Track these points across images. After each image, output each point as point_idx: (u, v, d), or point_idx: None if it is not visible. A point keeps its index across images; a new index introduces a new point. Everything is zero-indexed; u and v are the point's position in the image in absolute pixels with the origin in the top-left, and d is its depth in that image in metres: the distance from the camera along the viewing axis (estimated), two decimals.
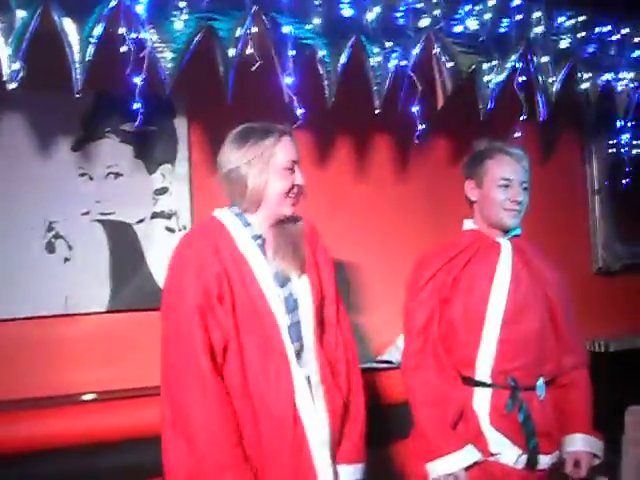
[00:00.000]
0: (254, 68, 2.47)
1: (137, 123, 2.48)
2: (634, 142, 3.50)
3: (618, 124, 3.29)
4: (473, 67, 2.92)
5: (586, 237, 3.68)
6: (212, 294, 1.92)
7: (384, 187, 3.46)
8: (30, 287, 2.85)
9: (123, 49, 2.38)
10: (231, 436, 1.87)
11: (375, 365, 3.12)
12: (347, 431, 2.07)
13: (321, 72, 2.68)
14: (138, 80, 2.41)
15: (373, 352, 3.31)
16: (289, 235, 2.07)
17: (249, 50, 2.50)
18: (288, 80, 2.58)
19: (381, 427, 2.76)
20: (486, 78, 2.92)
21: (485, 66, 2.92)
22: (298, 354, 2.00)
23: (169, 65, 2.47)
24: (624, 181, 3.63)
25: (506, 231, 2.34)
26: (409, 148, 3.16)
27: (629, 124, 3.30)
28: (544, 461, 2.24)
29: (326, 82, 2.68)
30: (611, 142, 3.61)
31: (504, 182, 2.28)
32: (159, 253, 2.97)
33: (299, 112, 2.57)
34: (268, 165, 1.98)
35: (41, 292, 2.86)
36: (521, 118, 3.00)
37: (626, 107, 3.23)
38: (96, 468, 2.65)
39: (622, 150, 3.55)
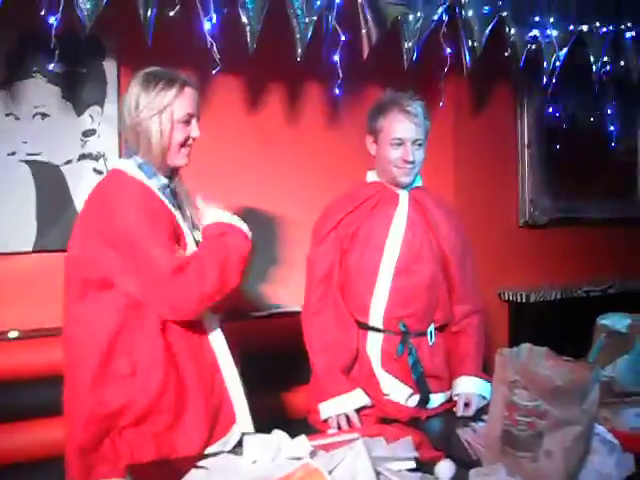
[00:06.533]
0: (172, 13, 2.49)
1: (54, 63, 2.51)
2: (561, 98, 3.55)
3: (545, 80, 3.32)
4: (399, 17, 2.94)
5: (515, 191, 3.74)
6: None
7: (314, 132, 3.47)
8: None
9: None
10: None
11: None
12: None
13: (243, 19, 2.68)
14: (53, 20, 2.42)
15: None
16: (185, 190, 2.14)
17: None
18: (208, 25, 2.59)
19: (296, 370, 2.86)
20: (411, 29, 2.93)
21: (411, 17, 2.93)
22: None
23: (87, 6, 2.47)
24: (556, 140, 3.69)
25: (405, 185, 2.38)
26: (336, 97, 3.18)
27: (556, 81, 3.32)
28: (434, 401, 2.35)
29: (248, 28, 2.68)
30: (542, 97, 3.65)
31: (396, 141, 2.30)
32: (86, 195, 2.99)
33: (217, 58, 2.59)
34: (171, 117, 1.97)
35: None
36: (445, 70, 3.04)
37: (552, 64, 3.25)
38: (17, 403, 2.74)
39: (551, 106, 3.60)
